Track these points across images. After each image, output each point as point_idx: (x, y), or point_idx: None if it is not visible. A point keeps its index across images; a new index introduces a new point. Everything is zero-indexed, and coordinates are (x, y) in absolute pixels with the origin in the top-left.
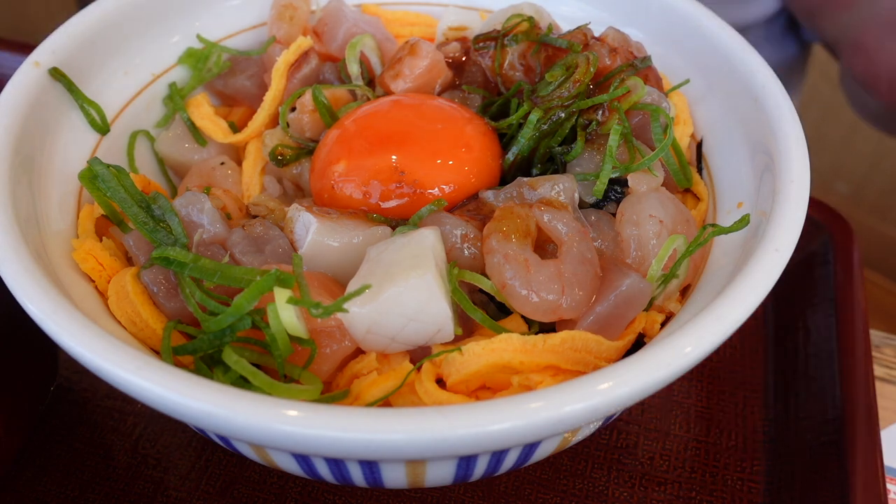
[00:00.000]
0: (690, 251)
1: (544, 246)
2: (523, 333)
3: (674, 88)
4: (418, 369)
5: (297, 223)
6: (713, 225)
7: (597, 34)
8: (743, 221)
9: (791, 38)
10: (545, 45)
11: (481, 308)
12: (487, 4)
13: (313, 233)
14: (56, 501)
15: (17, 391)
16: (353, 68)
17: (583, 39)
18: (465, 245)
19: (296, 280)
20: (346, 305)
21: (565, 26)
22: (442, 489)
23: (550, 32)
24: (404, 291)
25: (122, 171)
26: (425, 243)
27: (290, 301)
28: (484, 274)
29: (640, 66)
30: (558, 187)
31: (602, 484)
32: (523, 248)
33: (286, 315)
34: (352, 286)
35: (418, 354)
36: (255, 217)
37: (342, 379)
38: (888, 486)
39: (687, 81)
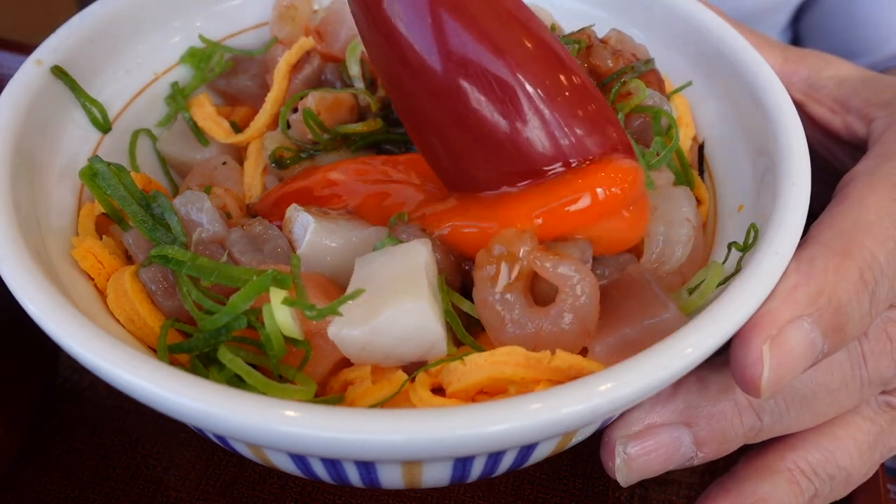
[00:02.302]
0: (724, 280)
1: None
2: None
3: (676, 91)
4: (412, 380)
5: (295, 223)
6: (734, 244)
7: (599, 35)
8: (752, 231)
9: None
10: None
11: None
12: None
13: (311, 233)
14: (56, 501)
15: (17, 391)
16: (354, 69)
17: (587, 41)
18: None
19: (292, 281)
20: (337, 327)
21: (567, 27)
22: (442, 489)
23: (554, 33)
24: (398, 316)
25: (123, 169)
26: (418, 261)
27: (286, 302)
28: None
29: (643, 69)
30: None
31: (602, 484)
32: (511, 289)
33: (281, 315)
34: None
35: (414, 363)
36: (254, 217)
37: (335, 383)
38: (888, 486)
39: (689, 84)
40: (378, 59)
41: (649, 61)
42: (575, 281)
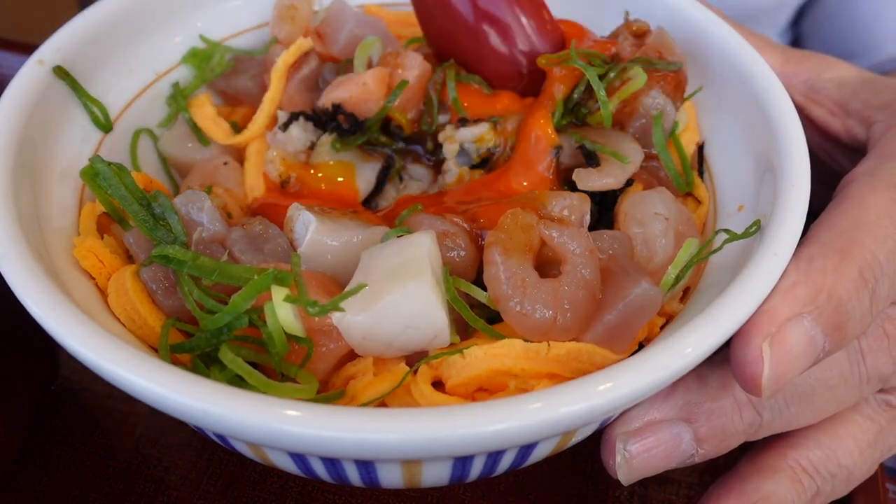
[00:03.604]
0: (704, 257)
1: (545, 254)
2: (525, 340)
3: (687, 98)
4: (414, 372)
5: (296, 222)
6: (726, 231)
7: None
8: (754, 226)
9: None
10: None
11: (479, 308)
12: None
13: (312, 231)
14: (56, 501)
15: (17, 391)
16: (361, 69)
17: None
18: (447, 242)
19: (293, 279)
20: (341, 313)
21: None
22: (442, 489)
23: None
24: (401, 300)
25: (124, 168)
26: (421, 249)
27: (287, 299)
28: (473, 274)
29: (665, 68)
30: (567, 206)
31: (602, 483)
32: (522, 263)
33: (283, 313)
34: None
35: (415, 356)
36: (255, 216)
37: (338, 380)
38: (888, 485)
39: (700, 89)
40: (427, 11)
41: (674, 63)
42: (577, 244)
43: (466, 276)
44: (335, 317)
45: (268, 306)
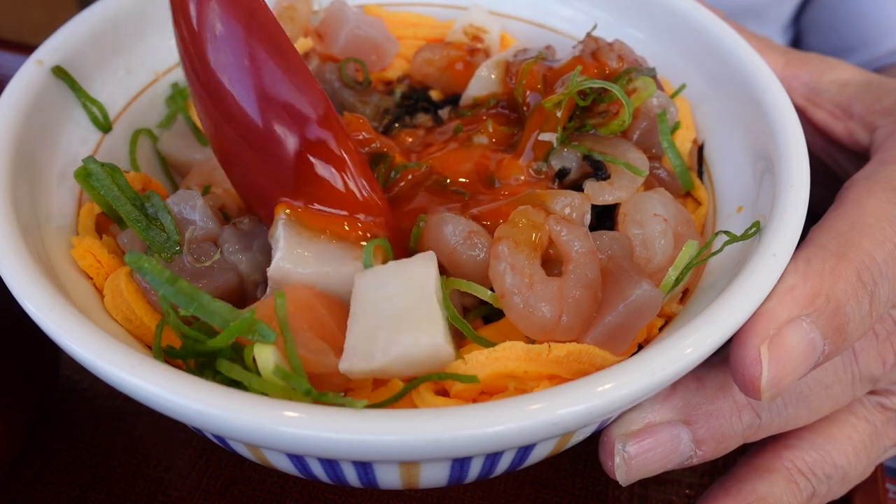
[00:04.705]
0: (705, 259)
1: (547, 253)
2: (528, 338)
3: (674, 94)
4: (416, 387)
5: (276, 230)
6: (726, 232)
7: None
8: (754, 227)
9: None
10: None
11: (475, 307)
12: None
13: (279, 259)
14: (56, 501)
15: (17, 391)
16: None
17: (594, 44)
18: (473, 240)
19: (281, 327)
20: (349, 363)
21: (567, 28)
22: (441, 488)
23: (545, 58)
24: (413, 351)
25: (117, 169)
26: (428, 288)
27: (278, 373)
28: (483, 276)
29: (648, 74)
30: (569, 205)
31: (602, 484)
32: (531, 260)
33: (271, 368)
34: (350, 332)
35: None
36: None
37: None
38: (887, 485)
39: (683, 87)
40: (204, 114)
41: (652, 69)
42: (580, 243)
43: (478, 278)
44: (342, 367)
45: (258, 351)
